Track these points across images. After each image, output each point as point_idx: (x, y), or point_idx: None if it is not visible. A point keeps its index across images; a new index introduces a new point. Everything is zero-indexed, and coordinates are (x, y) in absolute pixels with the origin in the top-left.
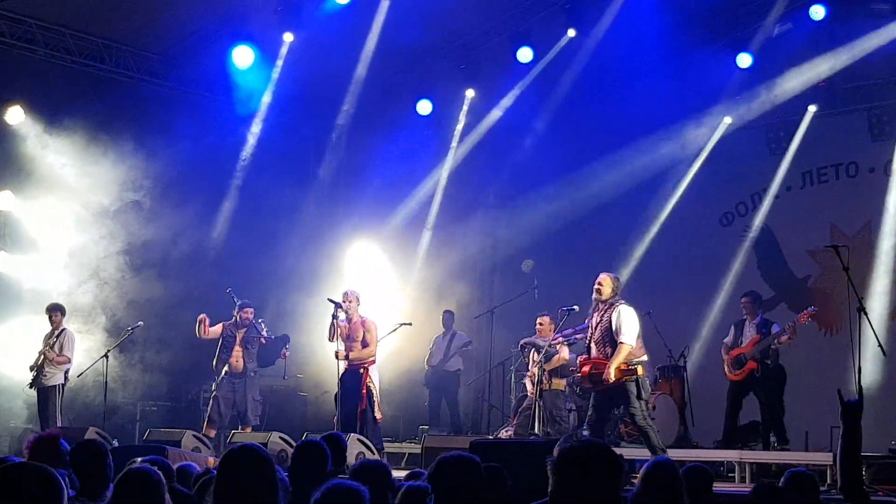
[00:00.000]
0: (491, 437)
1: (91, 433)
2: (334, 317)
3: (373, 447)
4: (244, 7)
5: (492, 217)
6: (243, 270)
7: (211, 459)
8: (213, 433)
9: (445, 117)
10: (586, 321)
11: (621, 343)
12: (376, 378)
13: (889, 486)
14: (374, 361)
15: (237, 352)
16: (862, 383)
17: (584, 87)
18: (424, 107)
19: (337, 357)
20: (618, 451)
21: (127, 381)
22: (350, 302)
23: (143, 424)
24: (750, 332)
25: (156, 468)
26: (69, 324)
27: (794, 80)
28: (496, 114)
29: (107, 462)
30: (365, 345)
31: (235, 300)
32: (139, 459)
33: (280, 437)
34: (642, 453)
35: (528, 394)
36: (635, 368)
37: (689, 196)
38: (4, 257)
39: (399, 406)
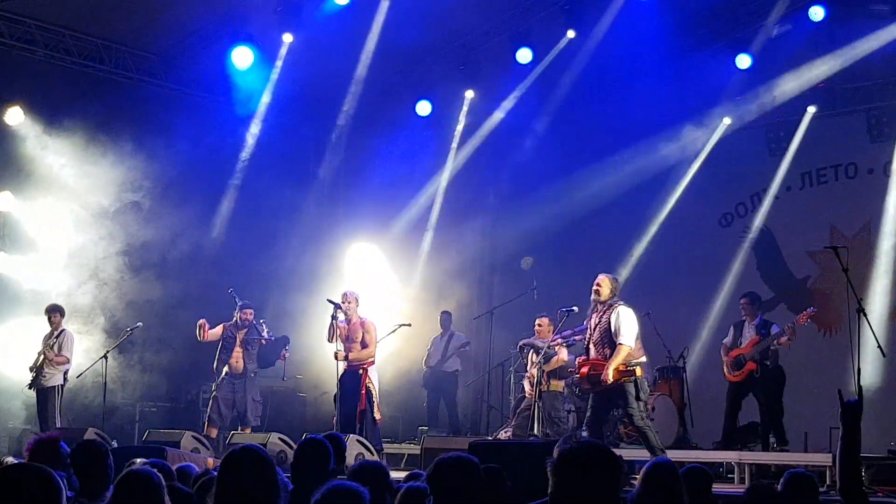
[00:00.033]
0: (490, 438)
1: (90, 434)
2: (334, 317)
3: (372, 448)
4: (244, 8)
5: (491, 218)
6: (243, 271)
7: (210, 460)
8: (214, 433)
9: (445, 118)
10: (585, 322)
11: (620, 344)
12: (375, 379)
13: (888, 486)
14: (373, 362)
15: (237, 353)
16: (861, 384)
17: (583, 88)
18: (424, 107)
19: (336, 358)
20: (617, 452)
21: (126, 382)
22: (349, 303)
23: (142, 425)
24: (749, 333)
25: (155, 470)
26: (68, 324)
27: (794, 81)
28: (497, 115)
29: (107, 462)
30: (364, 345)
31: (237, 301)
32: (139, 461)
33: (279, 438)
34: (642, 454)
35: (527, 395)
36: (634, 369)
37: (688, 197)
38: (4, 258)
39: (398, 407)
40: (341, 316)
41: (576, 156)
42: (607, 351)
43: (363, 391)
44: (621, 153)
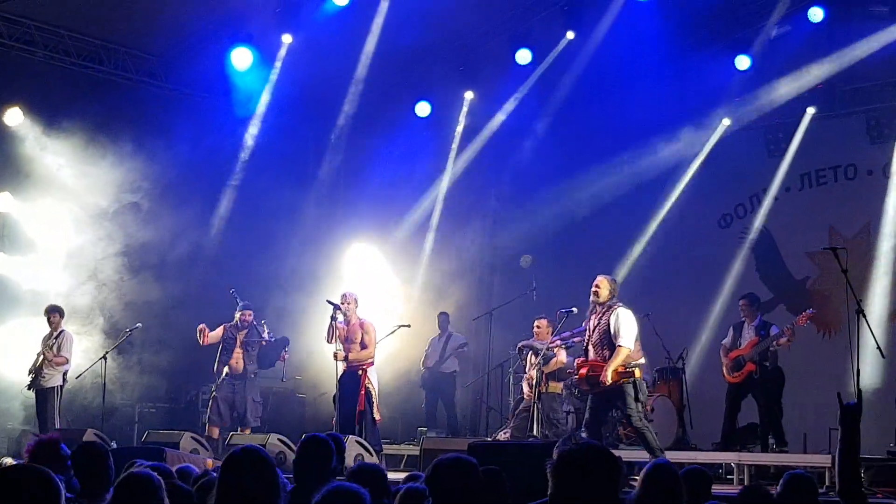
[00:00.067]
0: (489, 439)
1: (90, 435)
2: (333, 318)
3: (371, 449)
4: (243, 9)
5: (491, 219)
6: (242, 272)
7: (209, 461)
8: (215, 434)
9: (444, 119)
10: (583, 324)
11: (619, 346)
12: (375, 380)
13: (887, 488)
14: (372, 363)
15: (237, 353)
16: (860, 385)
17: (583, 89)
18: (423, 108)
19: (335, 358)
20: (616, 453)
21: (125, 383)
22: (349, 304)
23: (141, 426)
24: (749, 334)
25: (155, 473)
26: (67, 325)
27: (793, 83)
28: (499, 118)
29: (108, 464)
30: (363, 346)
31: (238, 301)
32: (138, 462)
33: (278, 439)
34: (641, 455)
35: (525, 396)
36: (633, 371)
37: (687, 198)
38: (3, 258)
39: (397, 408)
40: (340, 317)
41: (575, 157)
42: (606, 352)
43: (362, 392)
44: (621, 154)
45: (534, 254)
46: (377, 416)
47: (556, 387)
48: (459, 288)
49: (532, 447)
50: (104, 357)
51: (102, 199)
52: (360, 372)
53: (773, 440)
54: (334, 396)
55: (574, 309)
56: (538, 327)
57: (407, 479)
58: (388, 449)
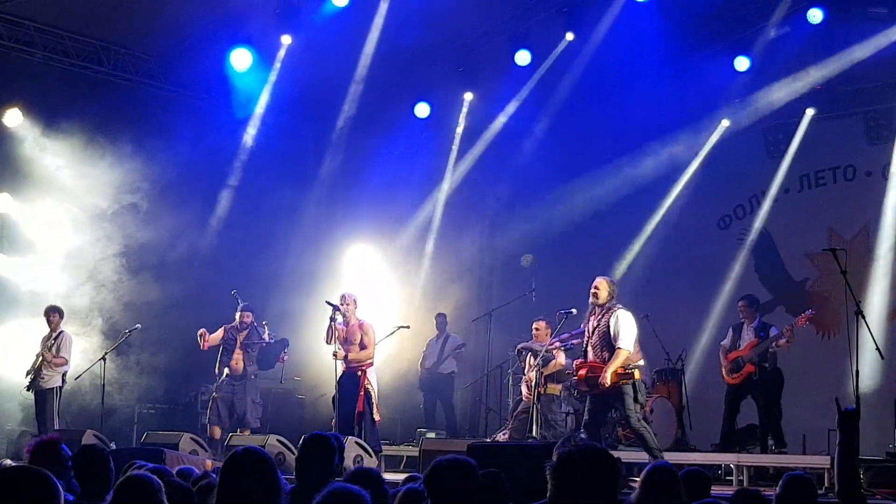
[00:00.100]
0: (488, 440)
1: (89, 436)
2: (332, 319)
3: (370, 450)
4: (242, 10)
5: (490, 220)
6: (241, 272)
7: (209, 462)
8: (217, 434)
9: (444, 120)
10: (582, 325)
11: (619, 348)
12: (374, 380)
13: (886, 489)
14: (371, 364)
15: (237, 355)
16: (859, 387)
17: (582, 90)
18: (422, 109)
19: (335, 357)
20: (615, 454)
21: (124, 384)
22: (348, 305)
23: (140, 427)
24: (748, 336)
25: (155, 476)
26: (66, 326)
27: (792, 84)
28: (500, 120)
29: (108, 466)
30: (363, 347)
31: (239, 302)
32: (137, 463)
33: (278, 440)
34: (640, 456)
35: (524, 398)
36: (632, 372)
37: (687, 199)
38: (2, 259)
39: (396, 409)
40: (340, 318)
41: (575, 158)
42: (606, 354)
43: (362, 393)
44: (620, 155)
45: (533, 254)
46: (377, 417)
47: (555, 388)
48: (459, 289)
49: (531, 448)
50: (103, 358)
51: (101, 199)
52: (359, 373)
53: (773, 441)
54: (333, 397)
55: (573, 310)
56: (537, 329)
57: (406, 480)
58: (388, 450)
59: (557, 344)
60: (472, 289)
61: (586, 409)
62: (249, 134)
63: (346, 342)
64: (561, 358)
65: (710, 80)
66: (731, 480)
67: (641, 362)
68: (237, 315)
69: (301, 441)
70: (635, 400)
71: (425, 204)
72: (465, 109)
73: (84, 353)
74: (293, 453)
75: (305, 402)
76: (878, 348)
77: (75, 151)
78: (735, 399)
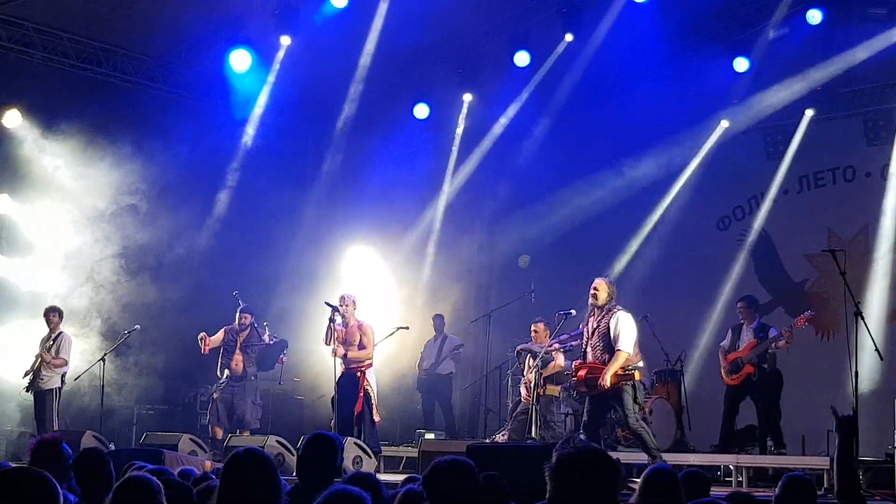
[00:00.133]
0: (487, 441)
1: (88, 437)
2: (331, 320)
3: (369, 451)
4: (241, 11)
5: (489, 221)
6: (240, 273)
7: (208, 463)
8: (219, 434)
9: (443, 121)
10: (581, 326)
11: (618, 350)
12: (374, 381)
13: (885, 490)
14: (370, 365)
15: (237, 356)
16: (858, 388)
17: (582, 91)
18: (422, 110)
19: (334, 354)
20: (614, 455)
21: (123, 385)
22: (347, 306)
23: (139, 428)
24: (747, 337)
25: (154, 477)
26: (66, 327)
27: (792, 85)
28: (502, 122)
29: (108, 469)
30: (361, 348)
31: (241, 303)
32: (136, 464)
33: (277, 441)
34: (639, 457)
35: (523, 399)
36: (632, 373)
37: (686, 200)
38: (1, 260)
39: (395, 410)
40: (339, 319)
41: (574, 159)
42: (605, 356)
43: (361, 394)
44: (619, 156)
45: (532, 256)
46: (377, 418)
47: (554, 390)
48: (458, 290)
49: (530, 449)
50: (102, 359)
51: (100, 200)
52: (358, 374)
53: (772, 442)
54: (333, 398)
55: (572, 311)
56: (535, 331)
57: (406, 481)
58: (387, 451)
59: (556, 345)
60: (471, 290)
61: (585, 410)
62: (248, 135)
63: (345, 343)
64: (560, 359)
65: (710, 81)
66: (731, 481)
67: (641, 364)
68: (237, 316)
69: (304, 440)
70: (634, 400)
71: (425, 205)
72: (464, 110)
73: (83, 353)
74: (292, 454)
75: (304, 403)
76: (877, 349)
77: (75, 152)
78: (734, 400)
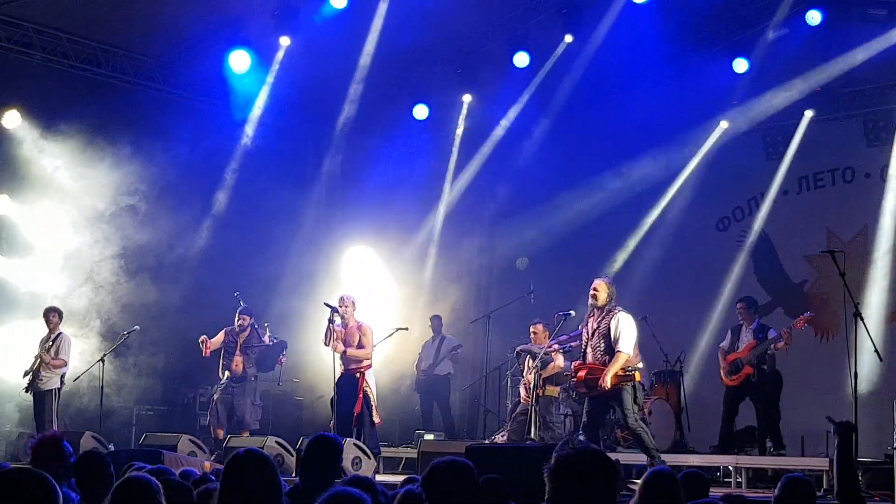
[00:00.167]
0: (487, 441)
1: (87, 437)
2: (331, 321)
3: (369, 451)
4: (241, 11)
5: (489, 222)
6: (239, 274)
7: (207, 464)
8: (221, 434)
9: (442, 122)
10: (580, 327)
11: (619, 351)
12: (373, 383)
13: (885, 491)
14: (370, 366)
15: (238, 357)
16: (857, 390)
17: (581, 93)
18: (421, 111)
19: (335, 350)
20: (614, 456)
21: (122, 386)
22: (347, 306)
23: (138, 428)
24: (746, 338)
25: (153, 477)
26: (65, 327)
27: (791, 86)
28: (503, 124)
29: (109, 472)
30: (361, 348)
31: (242, 304)
32: (136, 465)
33: (276, 442)
34: (638, 458)
35: (522, 400)
36: (633, 374)
37: (686, 201)
38: (1, 261)
39: (394, 411)
40: (338, 319)
41: (574, 160)
42: (606, 357)
43: (361, 395)
44: (619, 157)
45: (532, 256)
46: (377, 420)
47: (554, 390)
48: (457, 291)
49: (530, 450)
50: (102, 360)
51: (100, 201)
52: (357, 375)
53: (771, 443)
54: (332, 399)
55: (572, 312)
56: (534, 332)
57: (405, 482)
58: (386, 452)
59: (556, 346)
60: (470, 290)
61: (585, 411)
62: (248, 135)
63: (344, 344)
64: (559, 360)
65: (709, 81)
66: (730, 482)
67: (640, 365)
68: (236, 318)
69: (307, 441)
70: (634, 401)
71: (424, 206)
72: (464, 111)
73: (82, 354)
74: (292, 455)
75: (304, 404)
76: (876, 350)
77: (74, 153)
78: (733, 401)
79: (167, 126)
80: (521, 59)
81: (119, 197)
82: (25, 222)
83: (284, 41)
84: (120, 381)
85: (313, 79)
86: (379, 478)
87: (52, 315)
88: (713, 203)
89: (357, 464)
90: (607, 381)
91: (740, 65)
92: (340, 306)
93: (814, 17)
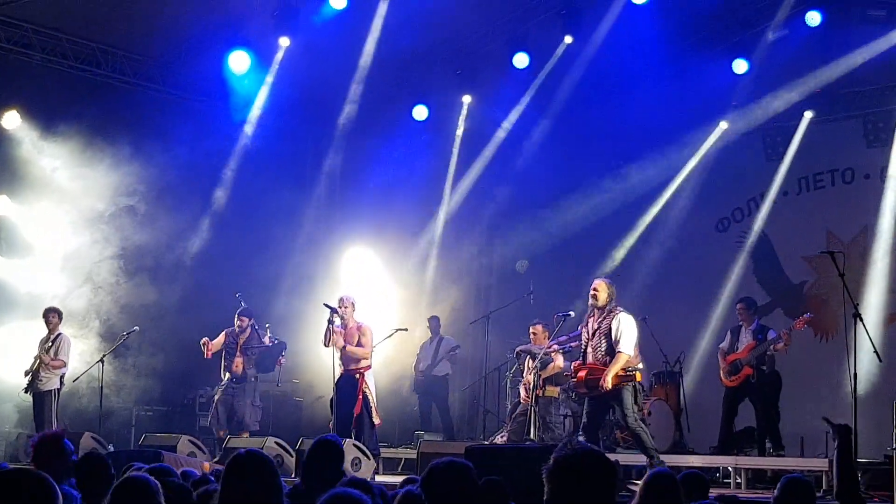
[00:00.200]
0: (486, 442)
1: (87, 438)
2: (330, 322)
3: (368, 452)
4: (240, 12)
5: (489, 223)
6: (239, 274)
7: (206, 464)
8: (223, 435)
9: (442, 123)
10: (579, 328)
11: (619, 352)
12: (372, 384)
13: (884, 492)
14: (369, 367)
15: (238, 358)
16: (857, 391)
17: (581, 94)
18: (420, 112)
19: (335, 346)
20: (613, 457)
21: (121, 386)
22: (346, 307)
23: (137, 429)
24: (746, 338)
25: (152, 477)
26: (64, 328)
27: (791, 87)
28: (504, 126)
29: (110, 473)
30: (360, 348)
31: (243, 305)
32: (135, 465)
33: (276, 443)
34: (638, 459)
35: (522, 400)
36: (634, 374)
37: (685, 201)
38: (0, 261)
39: (393, 412)
40: (338, 320)
41: (574, 160)
42: (607, 358)
43: (360, 395)
44: (619, 158)
45: (531, 257)
46: (377, 421)
47: (554, 391)
48: (457, 291)
49: (529, 451)
50: (101, 360)
51: (99, 202)
52: (357, 376)
53: (770, 444)
54: (331, 400)
55: (571, 313)
56: (534, 333)
57: (405, 482)
58: (386, 452)
59: (555, 346)
60: (470, 291)
61: (585, 411)
62: (247, 136)
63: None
64: (559, 360)
65: (709, 82)
66: (729, 483)
67: (640, 365)
68: (235, 319)
69: (309, 445)
70: (634, 401)
71: (424, 206)
72: (464, 112)
73: (81, 355)
74: (291, 455)
75: (303, 405)
76: (876, 351)
77: (73, 154)
78: (733, 402)
79: (166, 127)
80: (521, 60)
81: (118, 197)
82: (25, 223)
83: (284, 42)
84: (119, 382)
85: (313, 79)
86: (378, 478)
87: (52, 316)
88: (713, 204)
89: (356, 464)
90: (608, 381)
91: (740, 66)
92: (340, 307)
93: (813, 17)
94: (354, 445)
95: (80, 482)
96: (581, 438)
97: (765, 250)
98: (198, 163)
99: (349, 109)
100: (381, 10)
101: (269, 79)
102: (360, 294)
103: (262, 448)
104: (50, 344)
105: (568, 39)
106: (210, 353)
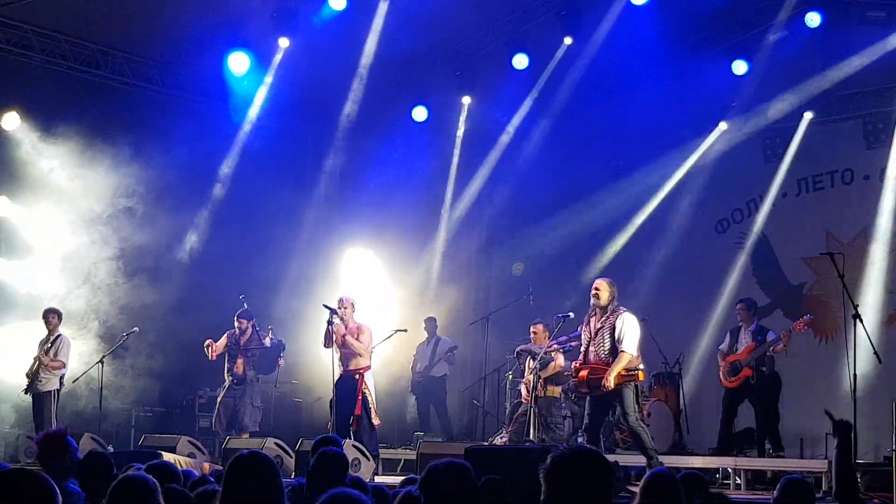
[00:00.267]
0: (486, 443)
1: (86, 439)
2: (330, 323)
3: (367, 453)
4: (240, 13)
5: (488, 223)
6: (238, 275)
7: (206, 465)
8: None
9: (442, 123)
10: (579, 328)
11: (622, 351)
12: (372, 384)
13: (884, 493)
14: (369, 368)
15: (239, 359)
16: (856, 392)
17: (581, 95)
18: (420, 113)
19: (336, 343)
20: (613, 457)
21: (120, 387)
22: (346, 308)
23: (137, 430)
24: (745, 340)
25: (151, 476)
26: (63, 329)
27: (790, 88)
28: (508, 130)
29: (112, 473)
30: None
31: (245, 306)
32: (135, 466)
33: (275, 443)
34: (638, 460)
35: (523, 401)
36: (636, 374)
37: (684, 203)
38: (0, 262)
39: (393, 412)
40: (337, 321)
41: (573, 162)
42: (609, 357)
43: (360, 396)
44: (618, 159)
45: (531, 258)
46: (376, 421)
47: (554, 391)
48: (456, 292)
49: (529, 451)
50: (101, 361)
51: (98, 203)
52: (356, 377)
53: (770, 445)
54: (331, 401)
55: (571, 314)
56: (534, 333)
57: (404, 483)
58: (385, 453)
59: (556, 346)
60: (469, 292)
61: (586, 412)
62: (247, 136)
63: (343, 346)
64: (560, 360)
65: (708, 83)
66: (729, 484)
67: (641, 366)
68: (235, 321)
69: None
70: (636, 400)
71: (424, 207)
72: (463, 113)
73: (81, 356)
74: (290, 456)
75: (302, 406)
76: (875, 352)
77: (73, 155)
78: (732, 403)
79: (166, 128)
80: (521, 61)
81: (117, 199)
82: (24, 224)
83: (283, 43)
84: (118, 383)
85: (313, 80)
86: (378, 479)
87: (52, 316)
88: (712, 205)
89: (356, 465)
90: (610, 380)
91: (740, 67)
92: (339, 308)
93: (813, 19)
94: (354, 446)
95: (83, 481)
96: (581, 439)
97: (764, 251)
98: (197, 163)
99: (349, 110)
100: (381, 10)
101: (269, 79)
102: (359, 295)
103: (261, 449)
104: (49, 345)
105: (568, 40)
106: (215, 354)
